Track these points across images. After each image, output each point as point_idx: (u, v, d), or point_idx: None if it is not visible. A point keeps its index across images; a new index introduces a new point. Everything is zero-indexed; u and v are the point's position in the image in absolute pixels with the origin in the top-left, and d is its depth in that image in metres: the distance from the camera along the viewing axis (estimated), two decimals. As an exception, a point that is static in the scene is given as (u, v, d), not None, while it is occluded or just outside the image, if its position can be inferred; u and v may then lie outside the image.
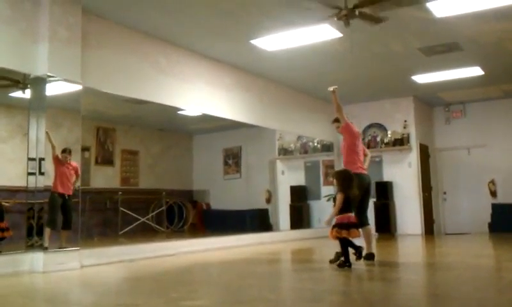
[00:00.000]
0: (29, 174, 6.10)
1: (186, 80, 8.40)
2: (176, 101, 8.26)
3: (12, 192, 7.09)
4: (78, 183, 6.77)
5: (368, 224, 6.26)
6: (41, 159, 6.10)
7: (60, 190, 6.38)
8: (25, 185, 6.11)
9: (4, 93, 7.21)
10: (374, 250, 6.37)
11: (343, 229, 5.48)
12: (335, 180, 5.81)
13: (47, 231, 6.11)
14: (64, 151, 6.49)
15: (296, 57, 8.81)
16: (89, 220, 10.75)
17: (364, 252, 6.16)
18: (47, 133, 6.16)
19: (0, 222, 6.68)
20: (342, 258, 5.58)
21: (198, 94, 8.67)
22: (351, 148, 6.28)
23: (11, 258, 5.81)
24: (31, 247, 5.97)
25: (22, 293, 4.69)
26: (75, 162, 6.64)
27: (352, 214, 5.56)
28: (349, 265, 5.49)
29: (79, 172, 6.70)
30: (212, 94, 8.97)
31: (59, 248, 6.32)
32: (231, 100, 9.41)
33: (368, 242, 6.21)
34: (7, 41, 5.91)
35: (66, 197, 6.46)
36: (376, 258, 6.22)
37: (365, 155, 6.58)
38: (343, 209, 5.54)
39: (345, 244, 5.54)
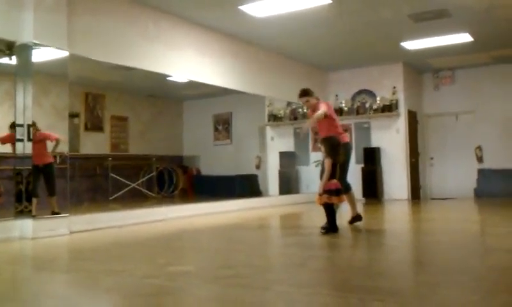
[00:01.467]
0: (17, 140, 6.12)
1: (175, 47, 8.34)
2: (164, 68, 8.21)
3: (2, 159, 7.12)
4: (65, 149, 6.79)
5: (351, 188, 6.37)
6: (29, 125, 6.11)
7: (34, 161, 6.35)
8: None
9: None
10: (361, 215, 6.50)
11: (333, 196, 5.57)
12: (322, 147, 5.85)
13: (34, 200, 6.18)
14: (29, 126, 6.48)
15: (285, 24, 8.76)
16: (79, 186, 10.80)
17: (350, 216, 6.32)
18: None
19: None
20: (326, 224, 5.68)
21: (187, 61, 8.62)
22: (330, 122, 6.16)
23: (1, 224, 5.87)
24: (20, 213, 6.03)
25: (10, 260, 4.77)
26: (43, 132, 6.56)
27: (336, 180, 5.63)
28: (336, 230, 5.59)
29: (52, 137, 6.61)
30: (201, 61, 8.92)
31: (52, 214, 6.42)
32: (220, 66, 9.37)
33: (353, 205, 6.33)
34: (-10, 8, 5.86)
35: (42, 166, 6.46)
36: (361, 224, 6.35)
37: None
38: (330, 175, 5.61)
39: (332, 209, 5.63)
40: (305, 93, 6.38)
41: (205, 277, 3.59)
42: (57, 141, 6.65)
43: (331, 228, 5.58)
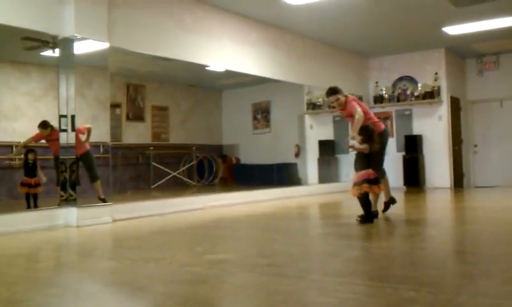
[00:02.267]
0: (61, 130, 6.33)
1: (211, 37, 8.39)
2: (201, 58, 8.27)
3: (46, 148, 7.36)
4: (107, 139, 7.02)
5: (385, 173, 6.30)
6: (73, 116, 6.30)
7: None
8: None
9: (35, 53, 7.39)
10: (401, 204, 6.44)
11: (373, 185, 5.53)
12: (358, 137, 5.79)
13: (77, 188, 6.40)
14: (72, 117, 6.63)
15: (322, 10, 8.68)
16: (122, 175, 11.06)
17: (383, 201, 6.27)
18: None
19: (30, 178, 6.95)
20: (361, 215, 5.64)
21: (224, 50, 8.66)
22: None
23: (47, 213, 6.09)
24: (65, 201, 6.24)
25: (55, 247, 4.95)
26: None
27: (371, 170, 5.57)
28: (372, 221, 5.56)
29: (82, 130, 6.70)
30: (238, 50, 8.95)
31: (99, 199, 6.67)
32: (257, 55, 9.38)
33: (387, 190, 6.29)
34: (34, 3, 6.04)
35: (79, 157, 6.59)
36: (400, 213, 6.30)
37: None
38: (365, 165, 5.56)
39: (367, 200, 5.59)
40: (334, 91, 5.98)
41: (241, 266, 3.65)
42: (89, 131, 6.82)
43: (367, 218, 5.55)
